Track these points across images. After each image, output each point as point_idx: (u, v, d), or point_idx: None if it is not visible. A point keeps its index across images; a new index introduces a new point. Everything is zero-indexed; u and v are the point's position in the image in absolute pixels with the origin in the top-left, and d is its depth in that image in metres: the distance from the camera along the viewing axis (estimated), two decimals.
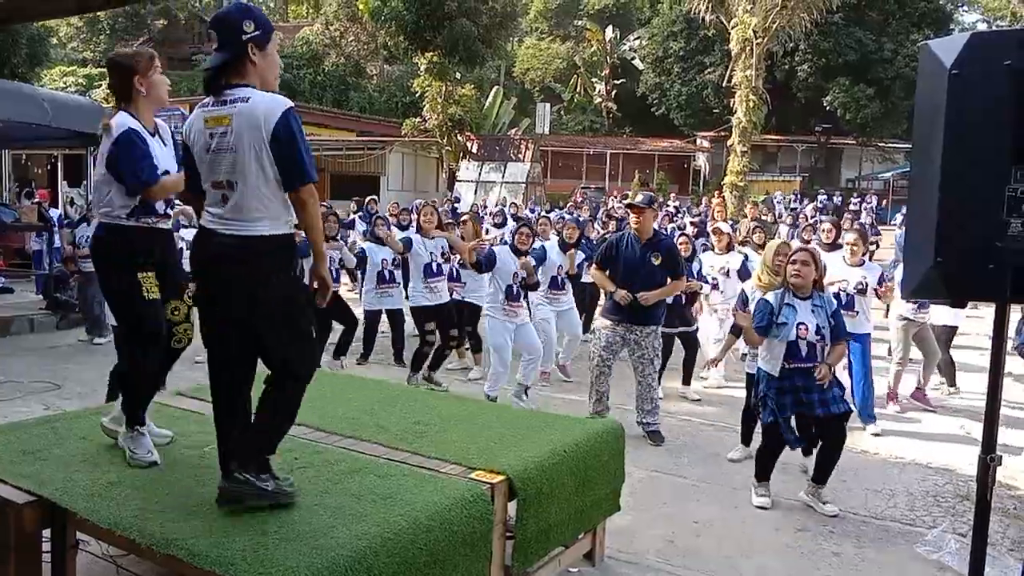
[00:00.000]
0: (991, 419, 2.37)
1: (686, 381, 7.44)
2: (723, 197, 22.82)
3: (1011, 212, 2.27)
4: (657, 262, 5.86)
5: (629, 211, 6.19)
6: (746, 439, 5.68)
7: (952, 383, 7.71)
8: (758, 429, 5.12)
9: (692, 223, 11.95)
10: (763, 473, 4.90)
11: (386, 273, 7.71)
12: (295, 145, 2.61)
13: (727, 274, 7.70)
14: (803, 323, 4.65)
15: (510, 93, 38.98)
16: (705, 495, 5.02)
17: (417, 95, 29.23)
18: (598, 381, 6.12)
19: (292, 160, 2.61)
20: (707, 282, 7.61)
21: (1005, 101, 2.27)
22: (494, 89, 35.73)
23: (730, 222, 12.08)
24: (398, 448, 3.52)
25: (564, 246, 7.73)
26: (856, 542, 4.41)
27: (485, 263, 6.43)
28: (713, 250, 8.00)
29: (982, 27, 40.10)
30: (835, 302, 5.01)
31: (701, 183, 36.91)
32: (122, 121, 3.19)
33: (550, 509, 3.39)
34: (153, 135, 3.30)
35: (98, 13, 34.67)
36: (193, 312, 3.40)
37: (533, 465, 3.35)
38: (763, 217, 14.35)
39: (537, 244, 7.24)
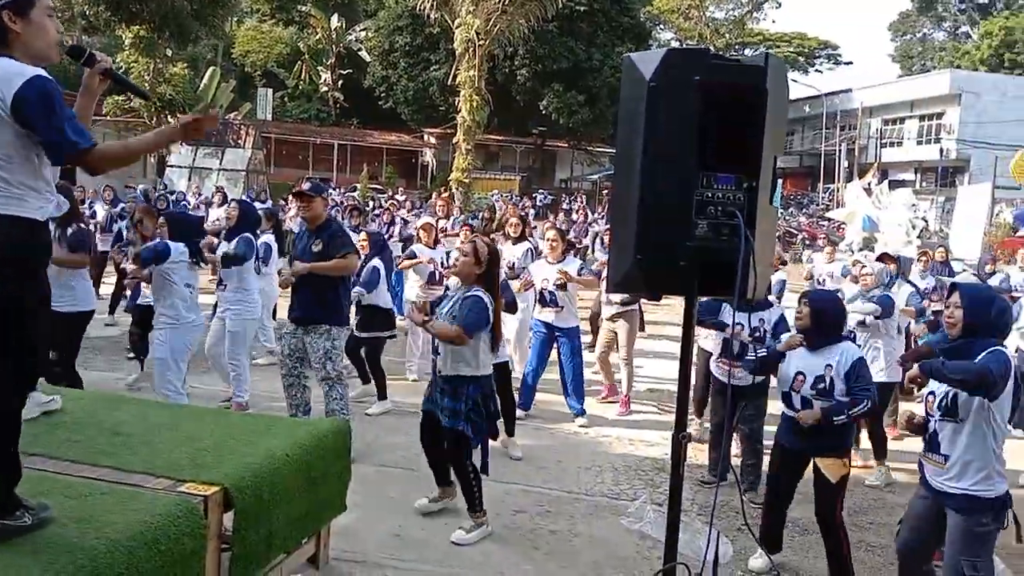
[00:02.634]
0: (683, 401, 2.62)
1: (366, 381, 7.07)
2: (449, 194, 23.40)
3: (698, 214, 2.52)
4: (317, 249, 5.35)
5: (297, 199, 5.75)
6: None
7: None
8: None
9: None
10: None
11: None
12: (45, 113, 2.28)
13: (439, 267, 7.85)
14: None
15: (228, 75, 36.87)
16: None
17: (121, 71, 26.63)
18: (289, 392, 5.50)
19: (48, 130, 2.29)
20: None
21: (695, 112, 2.50)
22: (210, 70, 33.59)
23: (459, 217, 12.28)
24: (97, 464, 3.15)
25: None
26: (569, 520, 4.72)
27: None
28: (421, 242, 8.05)
29: (675, 45, 44.91)
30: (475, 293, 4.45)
31: (429, 178, 37.57)
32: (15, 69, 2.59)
33: (271, 517, 3.23)
34: None
35: None
36: None
37: (251, 472, 3.16)
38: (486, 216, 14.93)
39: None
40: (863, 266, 6.55)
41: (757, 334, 5.18)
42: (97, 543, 2.44)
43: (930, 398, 3.45)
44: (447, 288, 5.31)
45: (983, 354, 3.18)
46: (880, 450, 5.79)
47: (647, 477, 5.56)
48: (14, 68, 2.34)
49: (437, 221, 9.60)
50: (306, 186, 5.65)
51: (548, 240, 6.90)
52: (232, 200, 8.07)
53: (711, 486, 5.14)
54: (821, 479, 4.03)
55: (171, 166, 27.31)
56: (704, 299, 4.76)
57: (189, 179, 26.26)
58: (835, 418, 3.90)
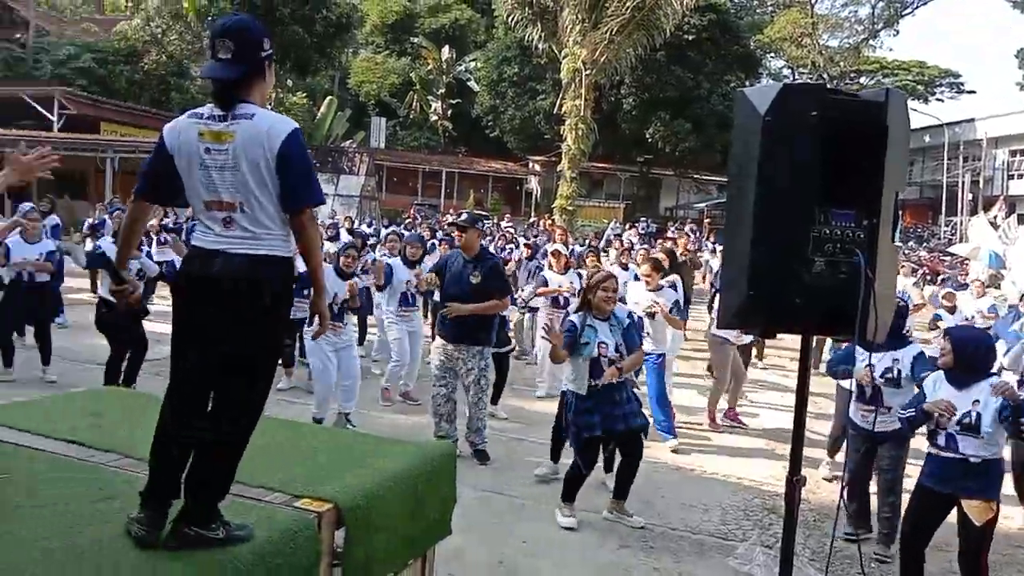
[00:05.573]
0: (797, 443, 2.55)
1: (494, 400, 7.37)
2: (553, 220, 23.51)
3: (815, 251, 2.47)
4: (475, 280, 5.86)
5: (455, 230, 6.26)
6: (554, 456, 5.85)
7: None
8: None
9: (527, 245, 12.16)
10: (569, 495, 5.02)
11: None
12: (301, 165, 2.48)
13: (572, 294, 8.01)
14: (603, 342, 4.95)
15: (344, 104, 38.33)
16: (533, 513, 5.10)
17: None
18: (435, 403, 6.08)
19: (298, 180, 2.47)
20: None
21: (812, 147, 2.47)
22: (327, 99, 35.00)
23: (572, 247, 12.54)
24: None
25: (408, 263, 7.68)
26: (674, 556, 4.63)
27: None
28: (552, 269, 8.35)
29: (786, 73, 43.86)
30: (628, 319, 5.31)
31: (533, 205, 37.86)
32: None
33: (380, 538, 3.31)
34: None
35: None
36: None
37: (362, 492, 3.25)
38: (593, 243, 15.03)
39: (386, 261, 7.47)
40: None
41: (890, 375, 4.94)
42: (218, 553, 2.56)
43: None
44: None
45: None
46: None
47: (756, 518, 5.39)
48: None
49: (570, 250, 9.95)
50: (463, 218, 6.11)
51: (643, 276, 6.95)
52: (405, 234, 8.87)
53: (855, 541, 4.76)
54: (967, 523, 3.89)
55: None
56: (843, 347, 4.89)
57: None
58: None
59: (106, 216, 12.45)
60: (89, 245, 10.52)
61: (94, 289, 7.57)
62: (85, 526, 2.68)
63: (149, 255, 7.14)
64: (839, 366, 5.20)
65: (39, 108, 23.68)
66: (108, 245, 6.97)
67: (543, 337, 6.15)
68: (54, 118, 23.43)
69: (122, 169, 21.92)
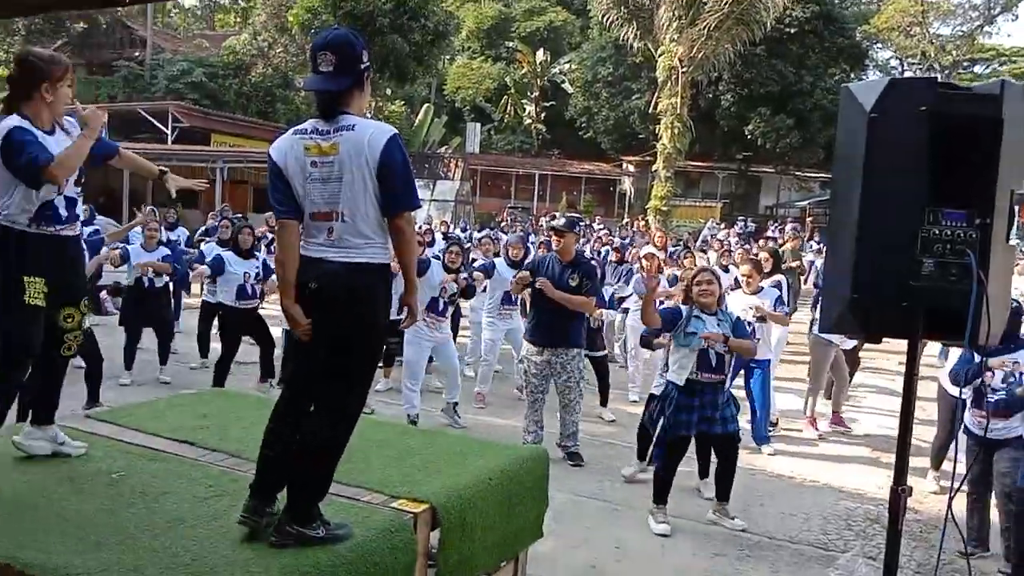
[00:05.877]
0: (902, 451, 2.44)
1: (603, 403, 7.52)
2: (647, 221, 23.24)
3: (924, 252, 2.35)
4: (574, 283, 5.93)
5: (552, 234, 6.28)
6: (641, 455, 5.79)
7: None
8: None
9: (615, 249, 12.04)
10: (661, 495, 4.95)
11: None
12: (401, 171, 2.57)
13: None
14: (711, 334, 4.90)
15: (440, 111, 38.94)
16: (627, 518, 5.04)
17: None
18: (531, 409, 6.10)
19: (398, 186, 2.56)
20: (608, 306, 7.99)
21: (921, 144, 2.36)
22: (424, 106, 35.63)
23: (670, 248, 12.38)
24: None
25: (511, 264, 7.77)
26: (772, 566, 4.50)
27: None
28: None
29: (894, 64, 41.97)
30: (735, 315, 5.37)
31: (626, 206, 37.53)
32: (6, 124, 3.06)
33: (473, 539, 3.34)
34: (51, 133, 3.16)
35: None
36: (86, 320, 3.32)
37: (456, 493, 3.30)
38: (689, 244, 14.78)
39: (481, 261, 7.71)
40: None
41: (1012, 380, 4.72)
42: (320, 552, 2.64)
43: None
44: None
45: None
46: None
47: (858, 528, 5.19)
48: None
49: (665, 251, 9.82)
50: (561, 223, 6.20)
51: (743, 276, 6.81)
52: (502, 236, 9.13)
53: (970, 557, 4.50)
54: None
55: None
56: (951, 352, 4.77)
57: None
58: None
59: (216, 223, 13.00)
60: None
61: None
62: (194, 522, 2.81)
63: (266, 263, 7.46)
64: (967, 372, 4.93)
65: (154, 122, 25.01)
66: (225, 252, 7.51)
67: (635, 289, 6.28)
68: (168, 131, 24.69)
69: (230, 178, 22.87)
